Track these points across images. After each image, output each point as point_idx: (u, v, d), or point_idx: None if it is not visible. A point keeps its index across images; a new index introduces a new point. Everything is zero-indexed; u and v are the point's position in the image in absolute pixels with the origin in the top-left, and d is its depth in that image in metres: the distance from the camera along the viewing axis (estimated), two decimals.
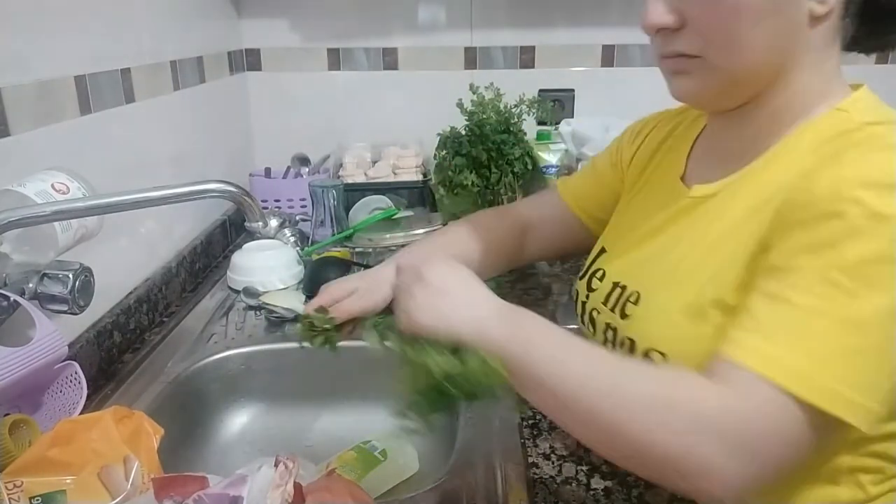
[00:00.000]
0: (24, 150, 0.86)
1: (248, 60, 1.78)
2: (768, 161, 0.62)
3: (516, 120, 1.51)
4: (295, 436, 1.04)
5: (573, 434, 0.61)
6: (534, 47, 1.79)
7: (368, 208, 1.61)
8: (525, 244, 0.93)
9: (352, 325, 0.79)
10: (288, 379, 1.07)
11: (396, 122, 1.81)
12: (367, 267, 1.21)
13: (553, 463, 0.81)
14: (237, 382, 1.06)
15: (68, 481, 0.65)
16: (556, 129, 1.61)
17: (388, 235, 1.50)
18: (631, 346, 0.66)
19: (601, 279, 0.75)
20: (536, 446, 0.84)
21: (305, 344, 0.79)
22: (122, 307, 1.07)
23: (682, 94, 0.65)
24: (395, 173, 1.68)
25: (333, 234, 1.51)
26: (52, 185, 0.81)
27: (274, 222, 1.36)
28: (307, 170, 1.73)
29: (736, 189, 0.64)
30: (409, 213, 1.63)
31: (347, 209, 1.58)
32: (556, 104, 1.63)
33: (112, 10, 1.09)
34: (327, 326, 0.77)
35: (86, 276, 0.82)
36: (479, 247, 0.88)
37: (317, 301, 0.79)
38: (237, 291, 1.28)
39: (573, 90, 1.79)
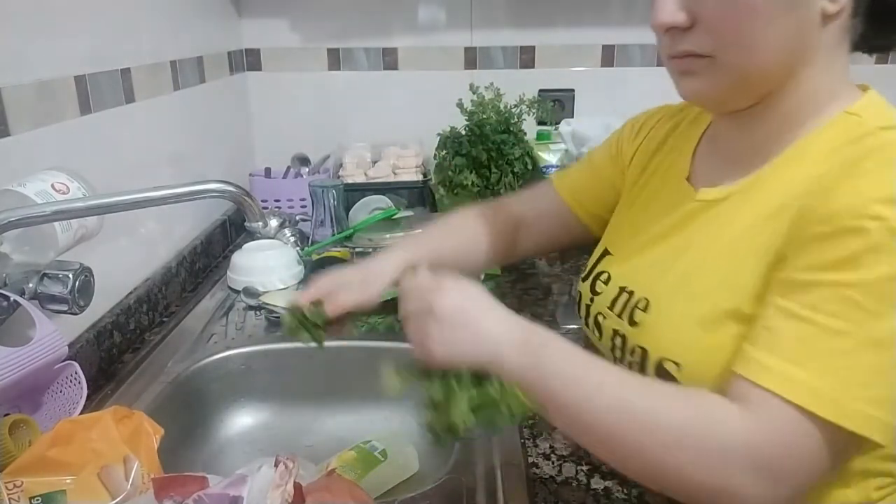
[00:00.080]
0: (24, 150, 0.86)
1: (248, 60, 1.78)
2: (780, 165, 0.61)
3: (516, 120, 1.51)
4: (295, 436, 1.04)
5: (594, 453, 0.60)
6: (534, 47, 1.79)
7: (368, 208, 1.61)
8: (518, 239, 0.91)
9: (343, 320, 0.75)
10: (288, 379, 1.07)
11: (396, 122, 1.81)
12: None
13: (553, 463, 0.81)
14: (237, 382, 1.06)
15: (68, 481, 0.65)
16: (556, 129, 1.61)
17: (388, 235, 1.50)
18: (642, 355, 0.65)
19: (606, 283, 0.74)
20: (536, 446, 0.84)
21: (298, 341, 0.74)
22: (122, 307, 1.07)
23: (692, 94, 0.63)
24: (395, 173, 1.68)
25: (333, 234, 1.51)
26: (52, 185, 0.81)
27: (274, 222, 1.36)
28: (307, 170, 1.73)
29: (747, 194, 0.62)
30: (409, 213, 1.63)
31: (347, 209, 1.58)
32: (556, 104, 1.63)
33: (112, 10, 1.09)
34: (317, 321, 0.73)
35: (86, 276, 0.82)
36: (471, 241, 0.87)
37: (307, 293, 0.75)
38: (237, 291, 1.28)
39: (573, 90, 1.79)
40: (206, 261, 1.41)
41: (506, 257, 0.92)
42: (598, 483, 0.78)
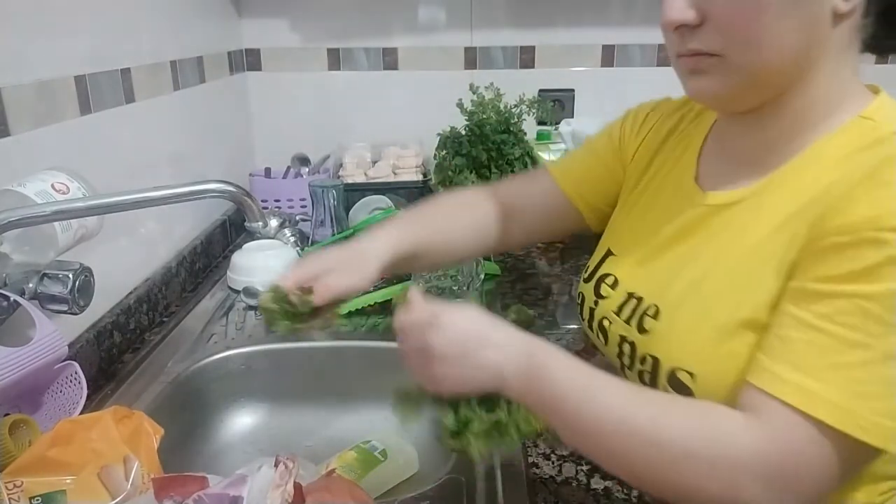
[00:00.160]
0: (24, 150, 0.86)
1: (248, 60, 1.78)
2: (793, 170, 0.60)
3: (516, 120, 1.51)
4: (295, 436, 1.04)
5: (604, 467, 0.60)
6: (534, 47, 1.79)
7: (368, 208, 1.61)
8: (510, 227, 0.86)
9: (330, 307, 0.69)
10: (288, 379, 1.07)
11: (396, 122, 1.81)
12: None
13: (553, 463, 0.81)
14: (237, 382, 1.06)
15: (68, 481, 0.65)
16: (556, 129, 1.61)
17: None
18: (654, 364, 0.63)
19: (612, 286, 0.72)
20: (536, 446, 0.84)
21: (276, 329, 0.67)
22: (122, 307, 1.07)
23: (699, 94, 0.62)
24: (395, 173, 1.68)
25: (333, 234, 1.51)
26: (52, 185, 0.81)
27: (274, 222, 1.36)
28: (307, 170, 1.73)
29: (759, 199, 0.61)
30: None
31: (347, 209, 1.58)
32: (556, 104, 1.63)
33: (112, 10, 1.09)
34: (303, 309, 0.66)
35: (86, 276, 0.82)
36: (461, 227, 0.83)
37: (291, 276, 0.68)
38: (237, 291, 1.28)
39: (573, 90, 1.79)
40: (206, 261, 1.41)
41: (496, 245, 0.88)
42: (598, 483, 0.78)
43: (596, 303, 0.74)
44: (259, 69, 1.79)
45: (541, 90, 1.72)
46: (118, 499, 0.65)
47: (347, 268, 0.69)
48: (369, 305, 1.19)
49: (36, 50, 0.89)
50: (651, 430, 0.54)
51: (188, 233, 1.39)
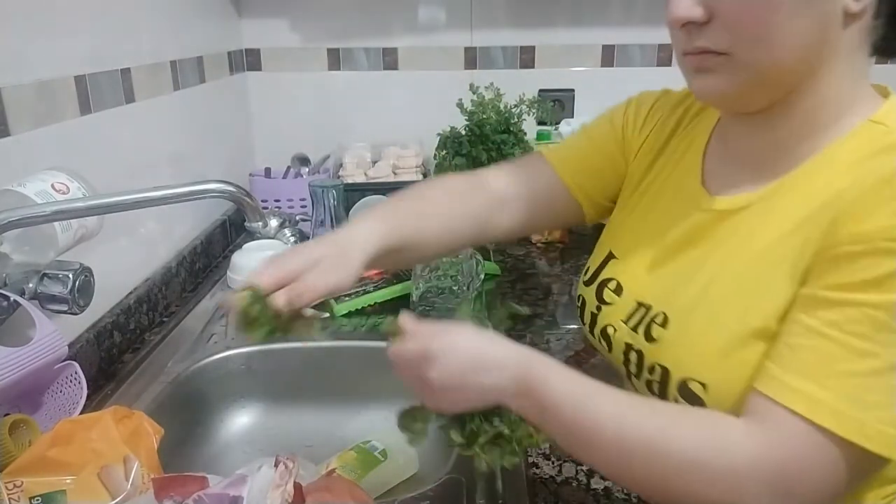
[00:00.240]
0: (24, 150, 0.86)
1: (248, 60, 1.78)
2: (804, 175, 0.59)
3: (516, 120, 1.51)
4: (295, 436, 1.04)
5: (608, 478, 0.61)
6: (534, 47, 1.79)
7: (368, 208, 1.60)
8: (501, 219, 0.80)
9: (312, 310, 0.63)
10: (288, 379, 1.07)
11: (396, 122, 1.81)
12: None
13: (553, 463, 0.81)
14: (237, 382, 1.06)
15: (68, 481, 0.65)
16: (556, 129, 1.61)
17: None
18: (663, 374, 0.62)
19: (616, 292, 0.71)
20: (536, 446, 0.84)
21: (251, 336, 0.60)
22: (122, 307, 1.07)
23: (706, 93, 0.61)
24: (395, 173, 1.68)
25: None
26: (52, 185, 0.81)
27: (274, 222, 1.36)
28: (307, 170, 1.73)
29: (769, 203, 0.60)
30: None
31: (347, 209, 1.58)
32: (556, 104, 1.63)
33: (112, 10, 1.09)
34: (284, 313, 0.59)
35: (86, 276, 0.82)
36: (449, 217, 0.77)
37: (270, 273, 0.60)
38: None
39: (573, 90, 1.79)
40: (206, 261, 1.41)
41: (486, 236, 0.81)
42: (598, 483, 0.78)
43: (598, 308, 0.73)
44: (259, 69, 1.79)
45: (541, 90, 1.72)
46: (118, 499, 0.65)
47: (331, 264, 0.62)
48: (369, 305, 1.19)
49: (36, 50, 0.89)
50: (653, 443, 0.54)
51: (188, 233, 1.38)
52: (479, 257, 1.17)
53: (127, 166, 1.12)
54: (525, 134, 1.53)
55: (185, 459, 0.93)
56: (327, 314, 1.11)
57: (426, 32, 1.77)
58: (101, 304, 1.01)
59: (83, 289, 0.82)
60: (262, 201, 1.61)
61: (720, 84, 0.58)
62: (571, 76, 1.80)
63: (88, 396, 0.82)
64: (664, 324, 0.64)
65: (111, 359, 1.02)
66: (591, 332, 0.74)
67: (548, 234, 1.53)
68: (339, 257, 0.63)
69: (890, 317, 0.49)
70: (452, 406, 0.61)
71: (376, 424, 1.02)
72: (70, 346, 0.85)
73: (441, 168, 1.53)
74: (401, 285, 1.20)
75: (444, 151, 1.52)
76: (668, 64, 1.78)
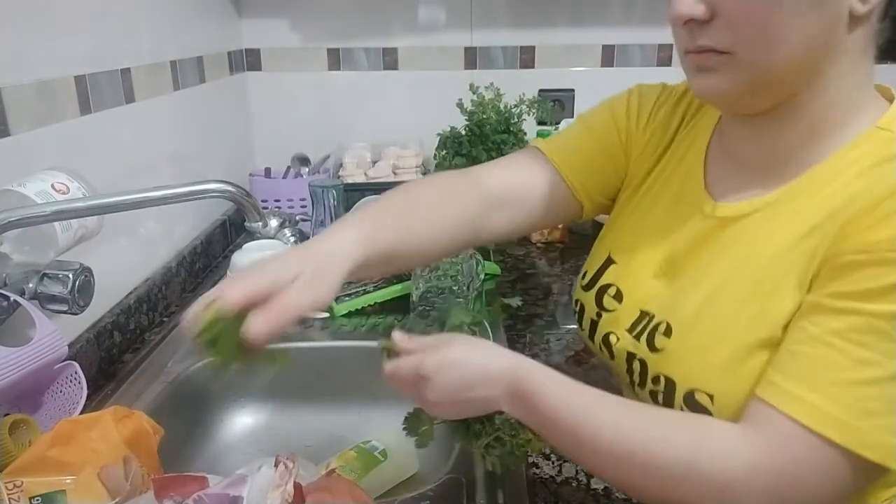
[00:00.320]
0: (24, 150, 0.86)
1: (248, 60, 1.78)
2: (810, 182, 0.58)
3: (516, 120, 1.51)
4: (295, 436, 1.04)
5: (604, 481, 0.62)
6: (534, 47, 1.79)
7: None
8: (496, 219, 0.75)
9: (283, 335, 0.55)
10: (288, 379, 1.07)
11: (396, 122, 1.81)
12: None
13: (553, 463, 0.81)
14: (237, 382, 1.06)
15: (68, 481, 0.65)
16: (556, 129, 1.61)
17: None
18: (668, 384, 0.61)
19: (616, 299, 0.70)
20: (538, 451, 0.84)
21: (216, 368, 0.52)
22: (122, 307, 1.07)
23: (706, 92, 0.60)
24: (395, 173, 1.68)
25: None
26: (52, 185, 0.81)
27: (274, 222, 1.36)
28: (307, 170, 1.73)
29: (775, 210, 0.59)
30: None
31: (347, 209, 1.58)
32: (556, 104, 1.63)
33: (112, 10, 1.09)
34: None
35: (86, 276, 0.82)
36: (438, 221, 0.71)
37: (236, 291, 0.53)
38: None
39: (573, 90, 1.79)
40: (206, 261, 1.41)
41: (480, 239, 0.76)
42: (598, 483, 0.78)
43: (599, 315, 0.72)
44: (259, 69, 1.79)
45: (541, 90, 1.72)
46: (118, 499, 0.65)
47: (309, 279, 0.55)
48: (369, 305, 1.19)
49: (36, 50, 0.89)
50: (647, 453, 0.54)
51: (188, 233, 1.38)
52: (479, 257, 1.17)
53: (127, 166, 1.12)
54: (525, 134, 1.53)
55: (185, 459, 0.93)
56: (326, 314, 1.11)
57: (426, 32, 1.77)
58: (101, 304, 1.01)
59: (83, 289, 0.82)
60: (262, 201, 1.61)
61: (722, 83, 0.58)
62: (571, 76, 1.80)
63: (88, 396, 0.82)
64: (667, 333, 0.63)
65: (111, 359, 1.02)
66: (591, 338, 0.73)
67: (548, 234, 1.53)
68: (317, 272, 0.56)
69: (893, 327, 0.49)
70: (452, 416, 0.63)
71: (376, 424, 1.02)
72: (70, 346, 0.85)
73: (441, 168, 1.53)
74: (401, 285, 1.20)
75: (444, 151, 1.52)
76: (668, 64, 1.78)
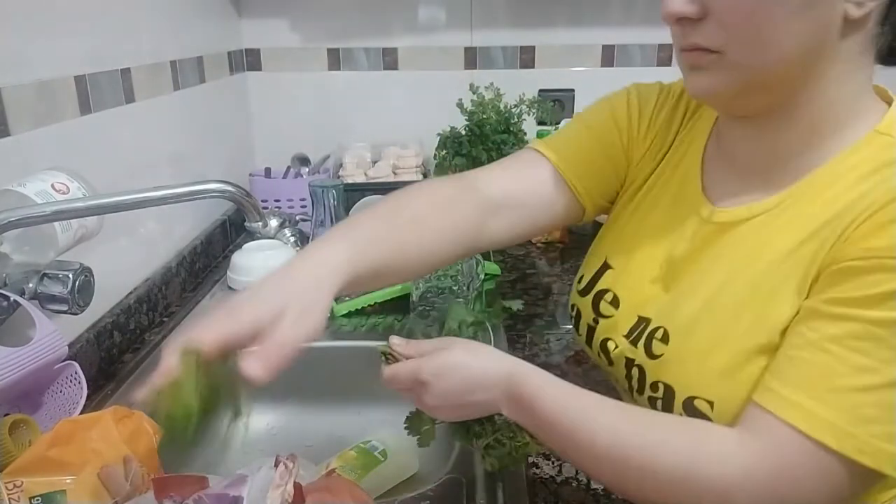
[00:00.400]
0: (24, 150, 0.86)
1: (248, 60, 1.78)
2: (810, 187, 0.58)
3: (516, 120, 1.51)
4: (295, 436, 1.04)
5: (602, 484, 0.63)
6: (534, 47, 1.79)
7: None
8: (494, 226, 0.72)
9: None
10: (288, 379, 1.06)
11: (396, 122, 1.81)
12: None
13: (553, 463, 0.81)
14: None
15: (68, 481, 0.65)
16: (556, 129, 1.61)
17: None
18: (667, 391, 0.61)
19: (613, 304, 0.69)
20: (536, 452, 0.84)
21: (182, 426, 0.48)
22: (122, 307, 1.06)
23: (699, 91, 0.60)
24: (395, 173, 1.68)
25: None
26: (52, 185, 0.81)
27: (274, 222, 1.36)
28: (307, 170, 1.73)
29: (774, 217, 0.59)
30: None
31: (347, 209, 1.58)
32: (556, 104, 1.63)
33: (112, 10, 1.09)
34: (231, 380, 0.48)
35: (86, 276, 0.82)
36: (430, 232, 0.67)
37: (216, 331, 0.51)
38: (237, 291, 1.28)
39: (573, 90, 1.79)
40: (206, 261, 1.41)
41: (478, 246, 0.73)
42: (597, 483, 0.77)
43: (596, 321, 0.71)
44: (259, 69, 1.79)
45: (541, 90, 1.72)
46: (118, 499, 0.65)
47: (299, 310, 0.52)
48: (369, 305, 1.19)
49: (36, 50, 0.89)
50: (643, 458, 0.54)
51: (188, 233, 1.38)
52: (479, 257, 1.17)
53: (127, 166, 1.11)
54: (525, 134, 1.53)
55: (185, 459, 0.93)
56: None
57: (426, 32, 1.77)
58: (101, 304, 1.01)
59: (83, 289, 0.82)
60: (262, 201, 1.61)
61: (713, 83, 0.57)
62: (571, 76, 1.80)
63: (88, 396, 0.82)
64: (664, 339, 0.63)
65: (111, 359, 1.02)
66: (589, 344, 0.73)
67: (548, 234, 1.54)
68: (305, 301, 0.53)
69: (891, 334, 0.49)
70: (451, 419, 0.64)
71: (376, 424, 1.02)
72: (70, 346, 0.85)
73: (441, 168, 1.54)
74: (401, 285, 1.20)
75: (444, 151, 1.52)
76: (668, 64, 1.78)
